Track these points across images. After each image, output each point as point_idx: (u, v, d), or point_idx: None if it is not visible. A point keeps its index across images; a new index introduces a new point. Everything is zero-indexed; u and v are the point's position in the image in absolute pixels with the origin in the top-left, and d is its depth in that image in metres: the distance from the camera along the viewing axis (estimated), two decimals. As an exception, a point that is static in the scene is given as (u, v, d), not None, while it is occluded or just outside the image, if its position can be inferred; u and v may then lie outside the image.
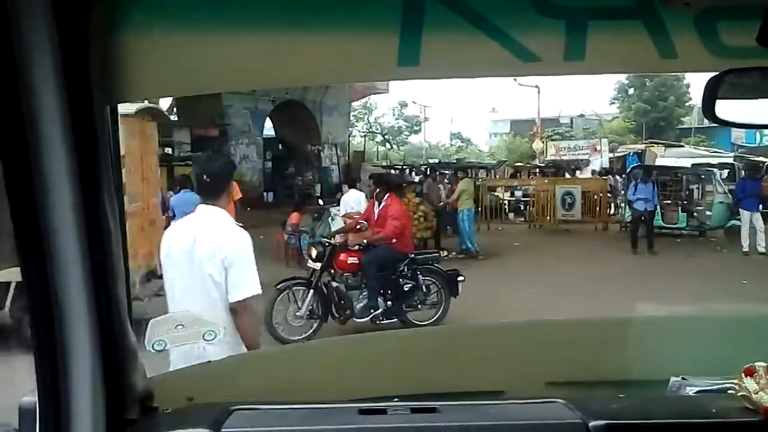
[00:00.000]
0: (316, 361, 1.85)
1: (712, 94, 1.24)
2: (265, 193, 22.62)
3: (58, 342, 1.07)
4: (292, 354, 2.01)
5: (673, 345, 1.77)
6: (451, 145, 53.61)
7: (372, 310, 7.58)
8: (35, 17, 0.95)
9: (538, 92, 33.36)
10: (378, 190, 8.41)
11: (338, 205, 12.36)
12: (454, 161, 29.35)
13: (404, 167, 26.26)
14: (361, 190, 12.06)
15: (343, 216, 11.39)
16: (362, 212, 11.57)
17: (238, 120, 22.08)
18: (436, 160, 30.27)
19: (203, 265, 2.92)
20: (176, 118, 22.98)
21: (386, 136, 46.62)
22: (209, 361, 1.79)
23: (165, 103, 25.62)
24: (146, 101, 8.57)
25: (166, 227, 9.50)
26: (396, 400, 1.42)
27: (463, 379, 1.74)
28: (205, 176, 3.20)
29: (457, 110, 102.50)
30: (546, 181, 19.48)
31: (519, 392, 1.64)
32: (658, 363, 1.66)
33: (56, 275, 1.04)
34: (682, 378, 1.48)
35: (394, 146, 46.78)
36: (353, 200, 11.54)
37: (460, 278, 7.94)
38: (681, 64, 1.41)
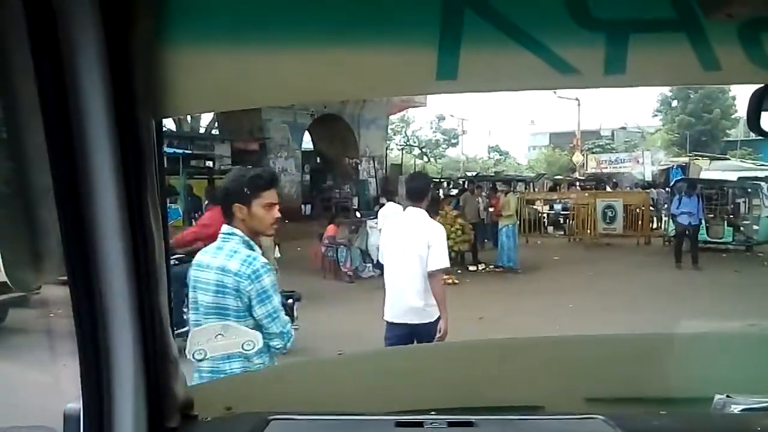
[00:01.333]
0: (354, 373, 1.85)
1: (757, 106, 1.22)
2: (303, 206, 22.78)
3: (102, 349, 1.09)
4: (329, 365, 2.02)
5: (717, 362, 1.74)
6: (489, 158, 53.27)
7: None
8: (84, 34, 0.99)
9: (578, 105, 33.05)
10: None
11: (376, 217, 12.38)
12: (492, 174, 29.16)
13: (441, 180, 26.20)
14: (399, 203, 12.08)
15: (380, 229, 11.41)
16: (399, 225, 11.64)
17: (277, 134, 22.33)
18: (474, 173, 30.11)
19: (415, 246, 4.38)
20: (217, 132, 23.41)
21: (424, 149, 46.62)
22: (248, 371, 1.82)
23: (206, 118, 26.17)
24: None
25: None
26: (433, 413, 1.41)
27: (501, 393, 1.72)
28: (412, 188, 4.79)
29: (495, 123, 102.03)
30: (586, 194, 19.18)
31: (558, 408, 1.61)
32: (702, 380, 1.62)
33: (101, 284, 1.07)
34: (727, 396, 1.44)
35: (432, 159, 46.71)
36: (392, 213, 11.56)
37: (292, 300, 6.08)
38: (725, 76, 1.39)
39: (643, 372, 1.77)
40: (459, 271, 12.43)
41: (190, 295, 2.51)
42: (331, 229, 12.59)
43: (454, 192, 19.84)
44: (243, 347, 1.66)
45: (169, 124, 27.55)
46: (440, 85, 1.35)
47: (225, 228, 2.62)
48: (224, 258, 2.54)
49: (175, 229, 12.19)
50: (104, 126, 1.02)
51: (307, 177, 24.76)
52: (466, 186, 19.13)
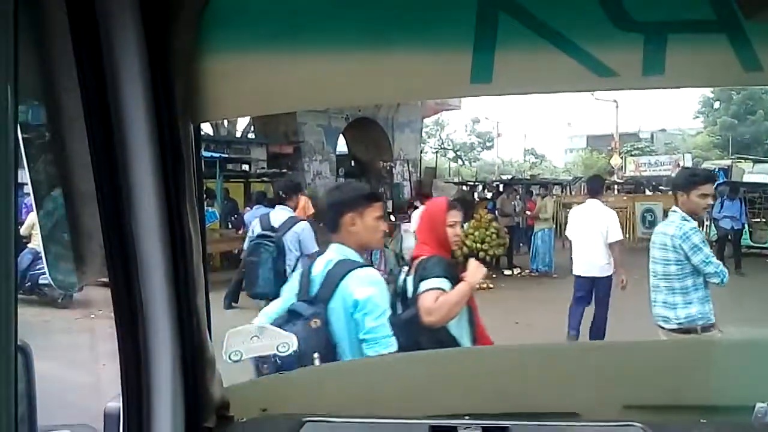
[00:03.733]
0: (389, 376, 1.86)
1: None
2: (337, 209, 22.78)
3: (142, 350, 1.12)
4: (365, 367, 2.03)
5: (759, 369, 1.70)
6: (525, 161, 52.69)
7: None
8: (126, 43, 1.02)
9: (617, 106, 32.48)
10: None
11: (410, 221, 12.35)
12: (528, 177, 28.82)
13: (476, 183, 26.02)
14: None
15: (414, 232, 11.38)
16: (433, 228, 11.57)
17: (312, 137, 22.41)
18: (510, 177, 29.83)
19: (600, 226, 7.06)
20: (253, 136, 23.62)
21: (458, 152, 46.39)
22: (283, 373, 1.81)
23: (243, 122, 26.46)
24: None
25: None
26: (467, 417, 1.41)
27: (536, 399, 1.70)
28: (592, 185, 7.86)
29: (530, 126, 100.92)
30: (625, 197, 18.82)
31: (595, 415, 1.59)
32: (743, 387, 1.58)
33: (141, 286, 1.10)
34: None
35: (466, 162, 46.43)
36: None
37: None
38: (766, 77, 1.36)
39: (682, 379, 1.73)
40: (494, 276, 12.27)
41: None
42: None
43: (489, 195, 19.64)
44: (278, 349, 1.68)
45: (206, 128, 28.00)
46: (475, 89, 1.35)
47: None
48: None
49: (211, 232, 12.37)
50: (145, 132, 1.06)
51: (342, 180, 24.80)
52: (500, 189, 18.95)
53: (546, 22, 1.27)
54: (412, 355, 2.25)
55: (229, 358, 1.63)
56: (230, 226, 13.79)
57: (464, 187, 24.36)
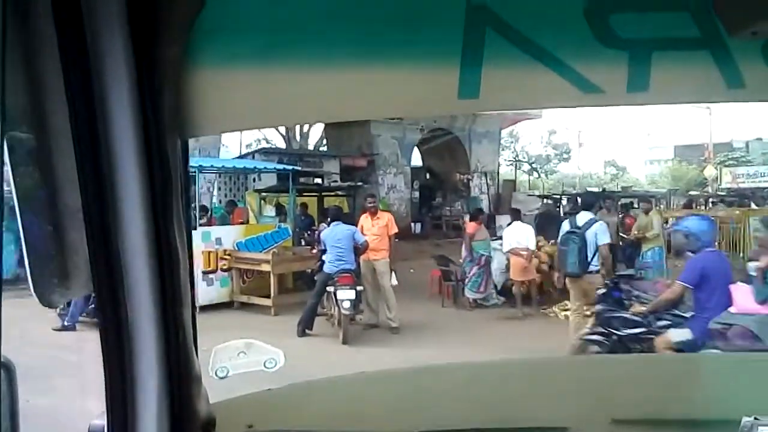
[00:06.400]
0: (376, 391, 1.89)
1: None
2: (412, 224, 22.02)
3: (127, 366, 1.12)
4: (352, 383, 2.02)
5: (745, 383, 1.74)
6: (605, 172, 50.52)
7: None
8: (113, 56, 1.03)
9: (710, 114, 30.32)
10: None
11: (499, 238, 11.20)
12: (619, 190, 26.75)
13: (559, 196, 24.44)
14: (525, 222, 10.74)
15: (508, 252, 10.16)
16: (531, 248, 10.29)
17: (386, 149, 21.86)
18: (599, 189, 27.83)
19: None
20: (325, 149, 23.17)
21: (533, 164, 44.72)
22: (270, 389, 1.73)
23: (315, 134, 26.08)
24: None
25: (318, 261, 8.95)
26: None
27: (525, 413, 1.72)
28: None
29: (608, 136, 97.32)
30: (738, 212, 16.94)
31: (584, 429, 1.65)
32: (730, 401, 1.60)
33: (127, 301, 1.11)
34: (755, 418, 1.41)
35: (543, 175, 44.73)
36: (521, 235, 10.28)
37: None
38: (749, 94, 1.37)
39: (670, 393, 1.77)
40: None
41: None
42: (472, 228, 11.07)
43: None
44: (265, 365, 1.69)
45: (277, 140, 27.80)
46: (462, 105, 1.37)
47: None
48: None
49: (284, 250, 11.56)
50: (132, 146, 1.06)
51: (417, 194, 23.97)
52: (600, 203, 17.31)
53: (532, 38, 1.29)
54: (399, 370, 2.28)
55: (216, 375, 1.62)
56: (303, 243, 12.93)
57: (547, 201, 22.87)
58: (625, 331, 5.96)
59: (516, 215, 11.22)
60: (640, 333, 5.84)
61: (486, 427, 1.60)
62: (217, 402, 1.42)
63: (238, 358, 1.63)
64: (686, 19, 1.30)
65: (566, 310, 9.96)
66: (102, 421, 1.14)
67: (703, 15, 1.29)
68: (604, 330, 6.30)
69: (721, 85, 1.33)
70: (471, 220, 11.25)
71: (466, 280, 10.63)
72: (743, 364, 1.99)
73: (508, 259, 10.69)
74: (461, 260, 10.86)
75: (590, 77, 1.31)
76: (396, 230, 9.63)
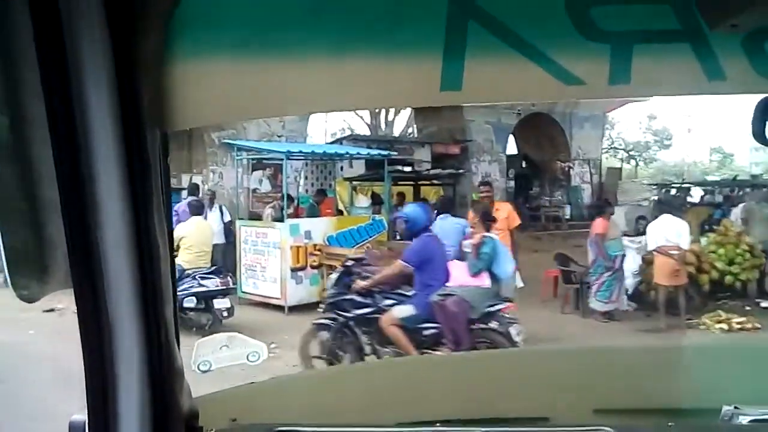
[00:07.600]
0: (359, 383, 1.89)
1: (762, 116, 1.26)
2: (508, 216, 20.43)
3: (108, 361, 1.11)
4: (335, 375, 2.02)
5: (726, 372, 1.74)
6: (711, 160, 46.79)
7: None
8: (91, 47, 1.02)
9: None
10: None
11: (635, 235, 9.57)
12: (749, 178, 23.89)
13: (683, 186, 22.15)
14: (676, 216, 9.00)
15: (654, 251, 8.52)
16: (683, 247, 8.61)
17: (479, 136, 20.52)
18: (732, 177, 24.97)
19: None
20: (415, 136, 21.93)
21: (631, 152, 41.77)
22: (253, 382, 1.73)
23: (402, 120, 24.81)
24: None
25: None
26: (438, 425, 1.49)
27: (506, 404, 1.72)
28: None
29: (711, 122, 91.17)
30: None
31: (565, 419, 1.63)
32: (711, 391, 1.62)
33: (107, 296, 1.10)
34: (735, 407, 1.42)
35: (641, 163, 41.79)
36: (671, 231, 8.59)
37: None
38: (729, 86, 1.36)
39: (651, 382, 1.75)
40: (747, 308, 9.36)
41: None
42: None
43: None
44: (248, 358, 1.68)
45: (361, 128, 26.74)
46: (444, 97, 1.37)
47: None
48: None
49: (378, 245, 10.37)
50: (111, 139, 1.05)
51: (512, 183, 22.37)
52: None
53: (515, 30, 1.29)
54: (382, 363, 2.45)
55: (198, 368, 1.61)
56: (399, 238, 11.68)
57: (668, 191, 20.72)
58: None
59: (667, 207, 9.48)
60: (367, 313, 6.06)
61: (467, 419, 1.62)
62: (201, 396, 1.42)
63: (221, 351, 1.66)
64: (667, 12, 1.31)
65: (720, 321, 8.29)
66: (83, 416, 1.14)
67: (684, 8, 1.30)
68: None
69: (702, 78, 1.33)
70: (598, 216, 9.43)
71: (594, 289, 9.01)
72: (724, 354, 2.02)
73: (642, 259, 9.08)
74: (589, 263, 9.18)
75: (572, 70, 1.32)
76: (518, 222, 8.20)
